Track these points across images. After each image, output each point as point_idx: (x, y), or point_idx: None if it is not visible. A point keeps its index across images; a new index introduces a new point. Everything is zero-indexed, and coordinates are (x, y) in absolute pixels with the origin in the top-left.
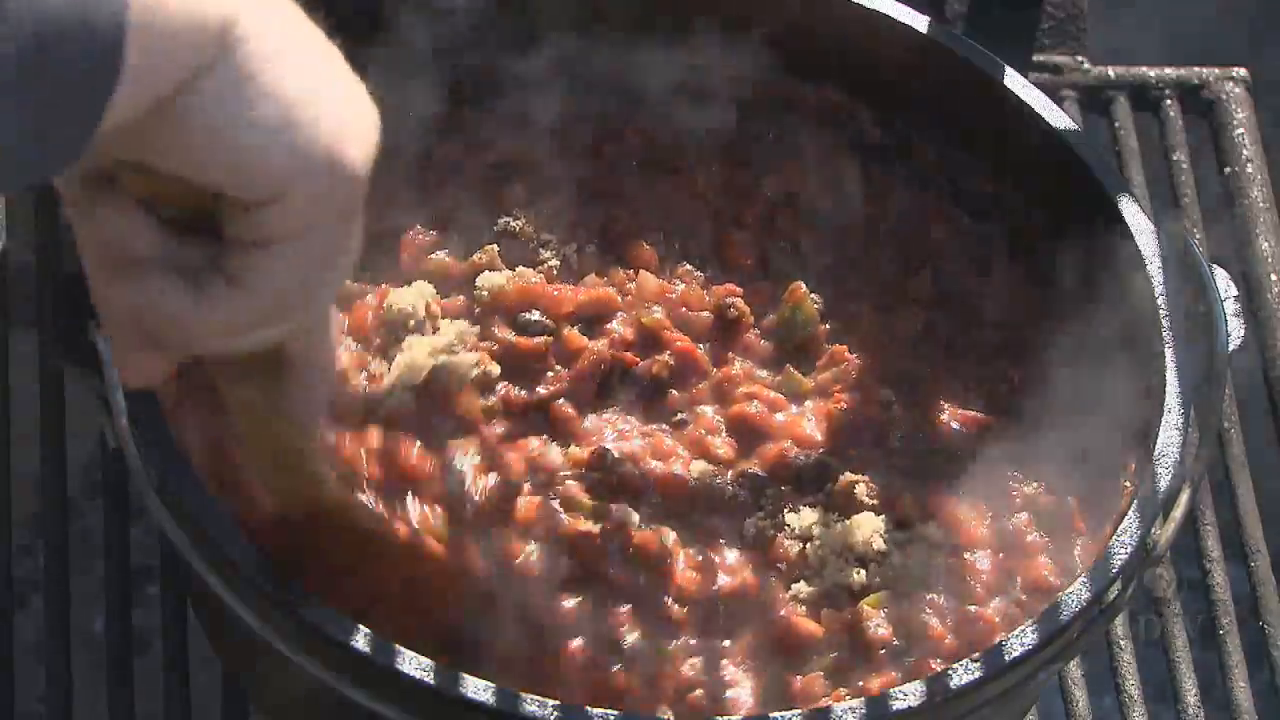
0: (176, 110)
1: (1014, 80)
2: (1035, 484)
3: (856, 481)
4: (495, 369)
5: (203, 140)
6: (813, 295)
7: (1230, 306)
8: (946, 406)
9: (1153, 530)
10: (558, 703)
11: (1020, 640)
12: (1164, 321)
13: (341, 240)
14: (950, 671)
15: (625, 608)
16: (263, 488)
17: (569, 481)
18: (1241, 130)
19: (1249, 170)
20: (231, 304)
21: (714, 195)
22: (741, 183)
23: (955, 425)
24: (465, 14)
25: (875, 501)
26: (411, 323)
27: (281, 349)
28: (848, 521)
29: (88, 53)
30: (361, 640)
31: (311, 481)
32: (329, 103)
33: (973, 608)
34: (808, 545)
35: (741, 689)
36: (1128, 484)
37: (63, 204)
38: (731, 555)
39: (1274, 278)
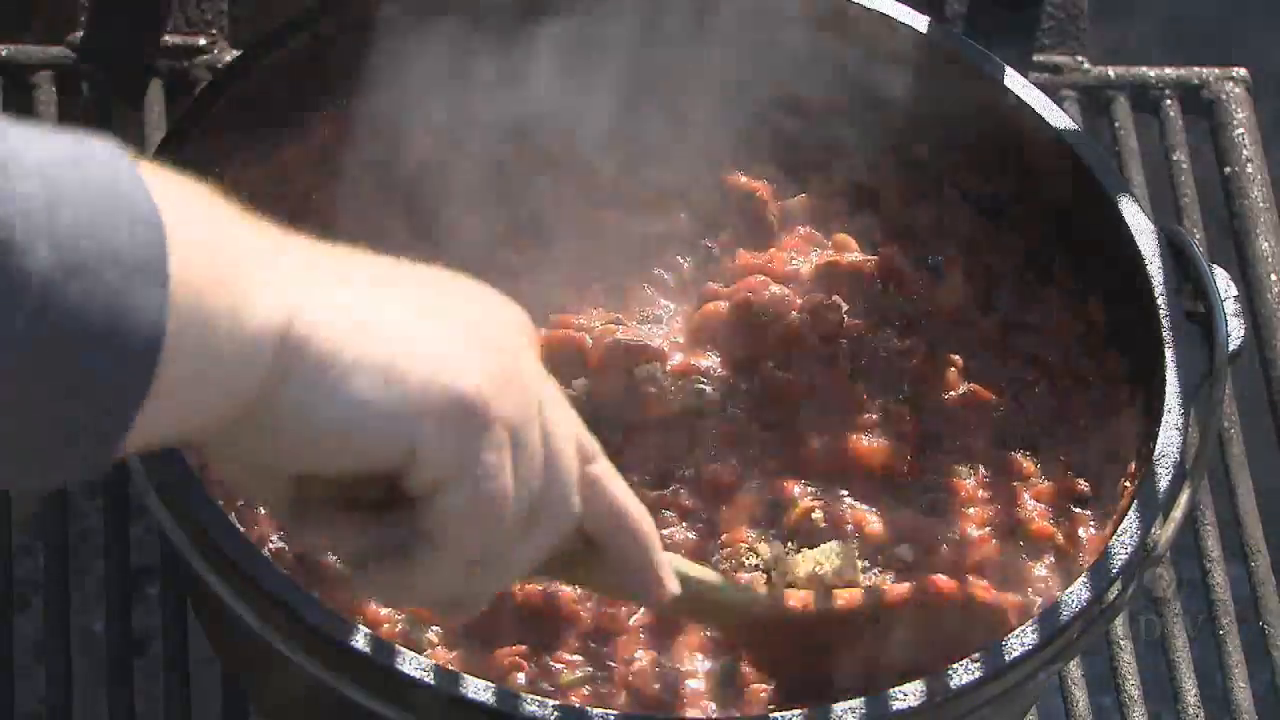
0: (262, 419)
1: (1014, 80)
2: (1035, 485)
3: (812, 509)
4: None
5: (301, 439)
6: None
7: (1230, 306)
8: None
9: (1153, 530)
10: (557, 703)
11: (1020, 640)
12: (1164, 321)
13: (520, 449)
14: (950, 671)
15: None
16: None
17: None
18: (1241, 130)
19: (1249, 170)
20: (442, 564)
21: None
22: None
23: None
24: None
25: (834, 526)
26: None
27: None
28: (811, 551)
29: (113, 361)
30: (361, 640)
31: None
32: (420, 344)
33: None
34: (772, 574)
35: (697, 681)
36: (1128, 484)
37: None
38: None
39: (1274, 278)
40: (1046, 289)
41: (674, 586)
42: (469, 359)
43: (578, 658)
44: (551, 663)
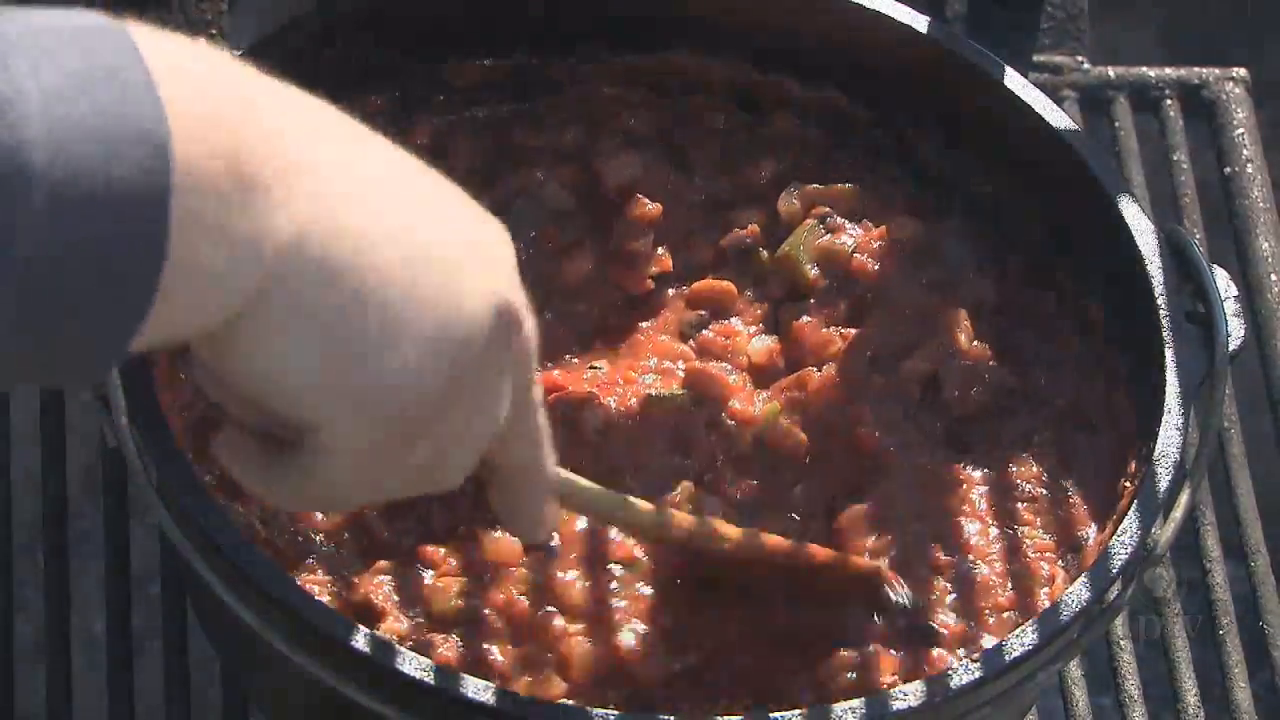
0: (223, 342)
1: (1014, 80)
2: (1035, 485)
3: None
4: None
5: (243, 372)
6: None
7: (1230, 306)
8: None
9: (1153, 530)
10: (557, 703)
11: (1020, 640)
12: (1164, 321)
13: (400, 450)
14: (950, 671)
15: None
16: None
17: None
18: (1241, 130)
19: (1249, 170)
20: (298, 484)
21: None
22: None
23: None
24: None
25: None
26: None
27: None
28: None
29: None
30: (361, 640)
31: None
32: (384, 333)
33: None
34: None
35: None
36: (1128, 484)
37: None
38: None
39: (1274, 278)
40: (1044, 289)
41: (548, 535)
42: (418, 362)
43: None
44: None
